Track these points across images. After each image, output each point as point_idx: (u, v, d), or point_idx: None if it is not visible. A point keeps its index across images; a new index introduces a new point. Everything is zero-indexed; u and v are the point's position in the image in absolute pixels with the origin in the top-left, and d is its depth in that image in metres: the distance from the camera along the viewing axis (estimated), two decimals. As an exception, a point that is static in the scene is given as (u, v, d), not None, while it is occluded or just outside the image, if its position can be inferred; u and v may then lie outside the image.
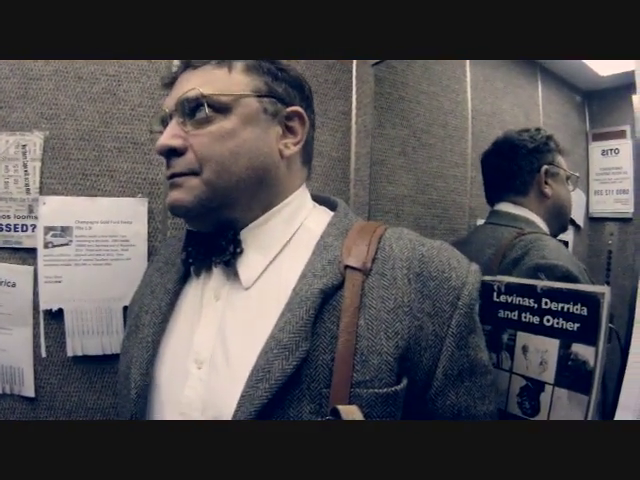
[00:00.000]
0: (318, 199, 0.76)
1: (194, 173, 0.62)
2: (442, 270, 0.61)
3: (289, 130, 0.68)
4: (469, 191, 1.34)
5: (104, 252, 1.00)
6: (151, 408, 0.64)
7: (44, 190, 0.98)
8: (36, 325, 0.98)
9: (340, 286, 0.59)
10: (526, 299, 0.74)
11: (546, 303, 0.71)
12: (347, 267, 0.60)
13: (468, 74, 1.34)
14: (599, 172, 1.20)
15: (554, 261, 0.87)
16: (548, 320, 0.70)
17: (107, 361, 1.01)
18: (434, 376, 0.59)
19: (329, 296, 0.59)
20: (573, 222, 1.18)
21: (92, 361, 1.00)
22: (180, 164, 0.63)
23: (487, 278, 0.79)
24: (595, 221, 1.21)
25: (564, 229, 1.11)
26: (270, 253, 0.65)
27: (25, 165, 0.97)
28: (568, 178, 1.09)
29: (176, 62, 0.81)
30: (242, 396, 0.55)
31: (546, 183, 1.06)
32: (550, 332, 0.70)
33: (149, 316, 0.68)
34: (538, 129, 1.10)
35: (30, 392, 0.98)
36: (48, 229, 0.97)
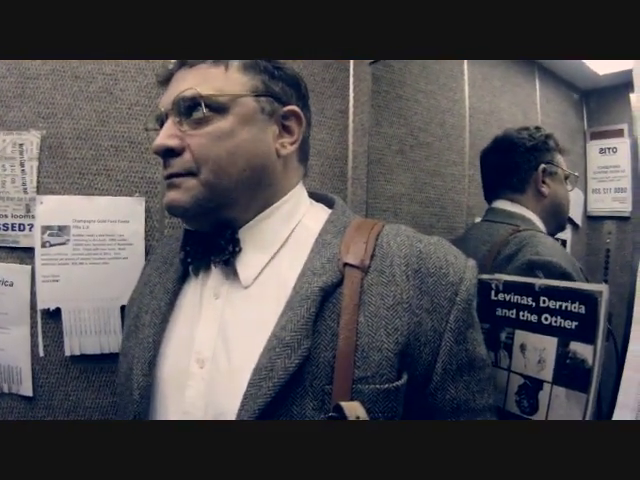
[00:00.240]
0: (315, 196, 0.75)
1: (191, 174, 0.62)
2: (440, 266, 0.61)
3: (285, 129, 0.67)
4: (467, 189, 1.34)
5: (101, 251, 1.00)
6: (154, 408, 0.64)
7: (41, 189, 0.98)
8: (34, 324, 0.98)
9: (339, 284, 0.60)
10: (524, 297, 0.74)
11: (544, 301, 0.71)
12: (346, 265, 0.60)
13: (466, 72, 1.34)
14: (597, 171, 1.20)
15: (548, 257, 0.87)
16: (546, 318, 0.71)
17: (105, 360, 1.01)
18: (434, 371, 0.60)
19: (329, 294, 0.59)
20: (571, 221, 1.18)
21: (90, 360, 1.00)
22: (177, 164, 0.63)
23: (485, 276, 0.79)
24: (593, 220, 1.21)
25: (562, 228, 1.11)
26: (269, 251, 0.65)
27: (22, 164, 0.97)
28: (567, 177, 1.09)
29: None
30: (245, 395, 0.55)
31: (543, 182, 1.05)
32: (548, 330, 0.70)
33: (149, 316, 0.68)
34: (538, 127, 1.10)
35: (28, 391, 0.98)
36: (45, 228, 0.97)
